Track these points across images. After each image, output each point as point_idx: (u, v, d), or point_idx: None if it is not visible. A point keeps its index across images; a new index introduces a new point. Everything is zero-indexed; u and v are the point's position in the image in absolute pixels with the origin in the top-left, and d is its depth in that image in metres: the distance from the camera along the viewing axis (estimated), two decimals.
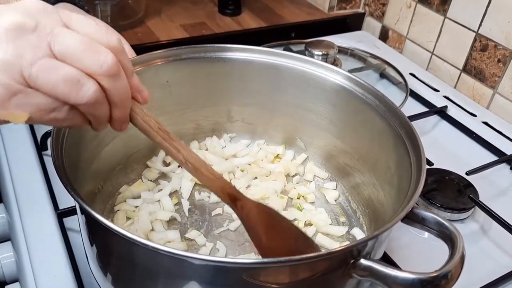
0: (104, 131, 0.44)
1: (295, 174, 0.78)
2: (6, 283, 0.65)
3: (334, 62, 0.97)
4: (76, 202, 0.52)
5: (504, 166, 0.88)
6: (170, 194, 0.72)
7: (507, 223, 0.72)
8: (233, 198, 0.53)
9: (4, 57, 0.36)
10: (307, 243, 0.58)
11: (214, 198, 0.73)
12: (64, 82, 0.37)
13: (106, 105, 0.41)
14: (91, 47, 0.38)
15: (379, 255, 0.55)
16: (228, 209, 0.70)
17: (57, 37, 0.37)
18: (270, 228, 0.56)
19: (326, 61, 0.91)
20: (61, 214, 0.68)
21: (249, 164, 0.79)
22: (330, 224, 0.70)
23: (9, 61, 0.36)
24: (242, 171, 0.77)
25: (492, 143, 0.93)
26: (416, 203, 0.50)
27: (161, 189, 0.73)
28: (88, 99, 0.38)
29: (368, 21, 1.35)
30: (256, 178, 0.77)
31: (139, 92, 0.45)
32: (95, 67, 0.38)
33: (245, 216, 0.54)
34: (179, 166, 0.77)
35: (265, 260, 0.49)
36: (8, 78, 0.36)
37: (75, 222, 0.68)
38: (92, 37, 0.39)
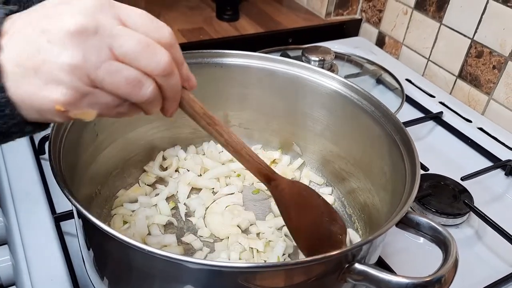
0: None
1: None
2: (3, 287, 0.65)
3: (331, 68, 0.98)
4: (73, 206, 0.53)
5: (499, 172, 0.89)
6: (167, 199, 0.73)
7: (502, 228, 0.73)
8: (268, 178, 0.58)
9: (72, 62, 0.38)
10: (335, 221, 0.63)
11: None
12: (127, 84, 0.40)
13: (160, 99, 0.44)
14: (148, 47, 0.40)
15: (374, 259, 0.55)
16: None
17: (117, 39, 0.39)
18: (301, 205, 0.61)
19: (322, 67, 0.92)
20: (58, 218, 0.68)
21: (246, 169, 0.79)
22: None
23: (77, 66, 0.38)
24: (239, 175, 0.78)
25: (487, 149, 0.93)
26: (411, 208, 0.50)
27: (158, 194, 0.73)
28: (148, 97, 0.41)
29: (365, 27, 1.35)
30: (253, 183, 0.77)
31: (188, 81, 0.47)
32: (152, 67, 0.41)
33: (278, 195, 0.60)
34: (176, 171, 0.78)
35: (261, 264, 0.49)
36: (78, 81, 0.38)
37: (72, 226, 0.68)
38: (147, 34, 0.41)
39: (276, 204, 0.61)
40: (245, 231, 0.69)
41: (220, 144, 0.54)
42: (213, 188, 0.75)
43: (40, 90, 0.38)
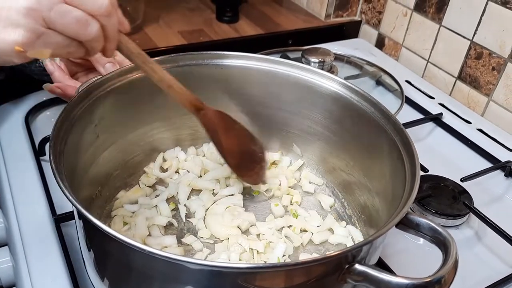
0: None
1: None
2: None
3: (331, 70, 0.98)
4: (74, 207, 0.53)
5: (498, 173, 0.89)
6: (167, 200, 0.73)
7: (501, 229, 0.73)
8: (198, 108, 0.63)
9: (28, 5, 0.44)
10: (255, 142, 0.72)
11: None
12: (76, 23, 0.46)
13: (103, 39, 0.49)
14: None
15: (374, 260, 0.55)
16: None
17: None
18: (227, 130, 0.68)
19: (322, 69, 0.92)
20: (59, 219, 0.68)
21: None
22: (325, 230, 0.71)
23: (32, 8, 0.44)
24: None
25: (487, 150, 0.94)
26: (411, 209, 0.50)
27: (158, 195, 0.73)
28: (94, 35, 0.47)
29: (365, 28, 1.36)
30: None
31: (122, 24, 0.52)
32: (96, 8, 0.47)
33: (207, 122, 0.65)
34: (176, 172, 0.78)
35: (260, 265, 0.49)
36: (33, 23, 0.44)
37: (73, 228, 0.68)
38: None
39: (205, 131, 0.66)
40: (245, 232, 0.69)
41: (154, 81, 0.58)
42: (213, 189, 0.75)
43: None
